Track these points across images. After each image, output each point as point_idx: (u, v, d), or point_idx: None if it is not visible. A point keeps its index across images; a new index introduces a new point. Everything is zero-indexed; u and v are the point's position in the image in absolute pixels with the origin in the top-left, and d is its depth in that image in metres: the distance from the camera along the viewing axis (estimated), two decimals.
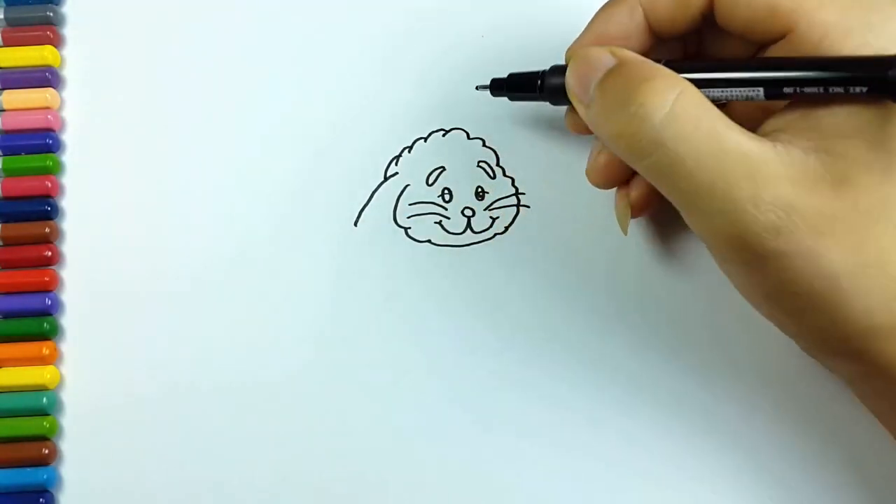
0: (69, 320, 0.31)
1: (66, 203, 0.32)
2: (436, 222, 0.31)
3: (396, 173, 0.31)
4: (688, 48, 0.26)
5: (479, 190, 0.31)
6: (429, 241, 0.31)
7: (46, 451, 0.29)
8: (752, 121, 0.23)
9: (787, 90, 0.21)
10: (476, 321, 0.30)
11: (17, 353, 0.30)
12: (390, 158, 0.31)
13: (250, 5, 0.33)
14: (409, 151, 0.31)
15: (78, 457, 0.30)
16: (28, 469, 0.29)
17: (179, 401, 0.30)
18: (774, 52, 0.22)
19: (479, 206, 0.31)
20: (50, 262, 0.31)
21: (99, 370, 0.30)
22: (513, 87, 0.28)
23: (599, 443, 0.29)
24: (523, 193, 0.31)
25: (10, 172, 0.31)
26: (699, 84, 0.22)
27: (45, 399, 0.30)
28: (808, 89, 0.21)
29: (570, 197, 0.30)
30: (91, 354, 0.31)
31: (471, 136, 0.31)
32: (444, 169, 0.31)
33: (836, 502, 0.28)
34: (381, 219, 0.31)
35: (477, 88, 0.29)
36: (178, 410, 0.30)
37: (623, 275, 0.30)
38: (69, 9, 0.33)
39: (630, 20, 0.24)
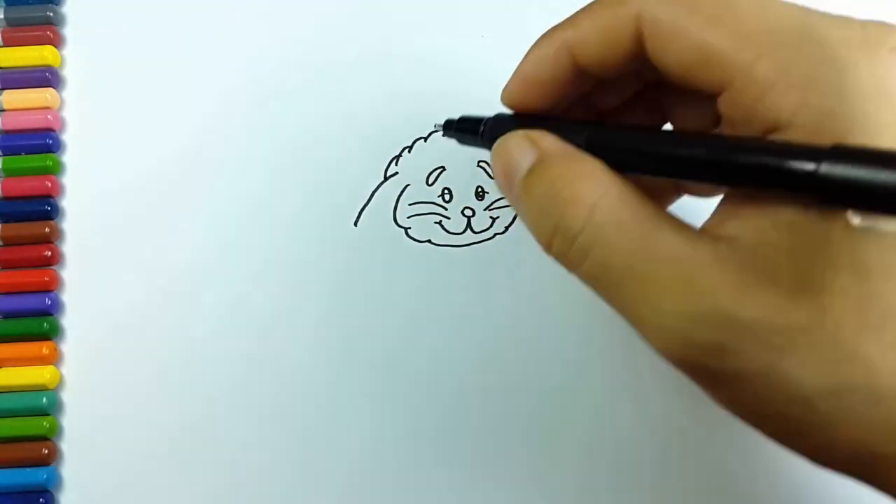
0: (69, 320, 0.31)
1: (66, 203, 0.32)
2: (436, 222, 0.31)
3: (396, 173, 0.31)
4: (646, 95, 0.24)
5: (479, 190, 0.31)
6: (429, 241, 0.31)
7: (46, 451, 0.29)
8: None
9: (717, 183, 0.18)
10: (476, 321, 0.30)
11: (17, 353, 0.30)
12: (390, 158, 0.31)
13: (250, 5, 0.33)
14: (409, 151, 0.31)
15: (78, 457, 0.30)
16: (28, 469, 0.29)
17: (179, 401, 0.30)
18: (720, 106, 0.19)
19: (479, 206, 0.31)
20: (50, 262, 0.31)
21: (99, 370, 0.30)
22: (461, 130, 0.26)
23: (602, 442, 0.29)
24: None
25: (10, 172, 0.31)
26: (620, 164, 0.20)
27: (45, 399, 0.30)
28: (738, 185, 0.18)
29: None
30: (91, 354, 0.31)
31: None
32: (444, 169, 0.31)
33: None
34: (381, 219, 0.31)
35: (434, 127, 0.28)
36: (177, 410, 0.30)
37: None
38: (69, 9, 0.33)
39: (557, 62, 0.21)
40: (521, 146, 0.21)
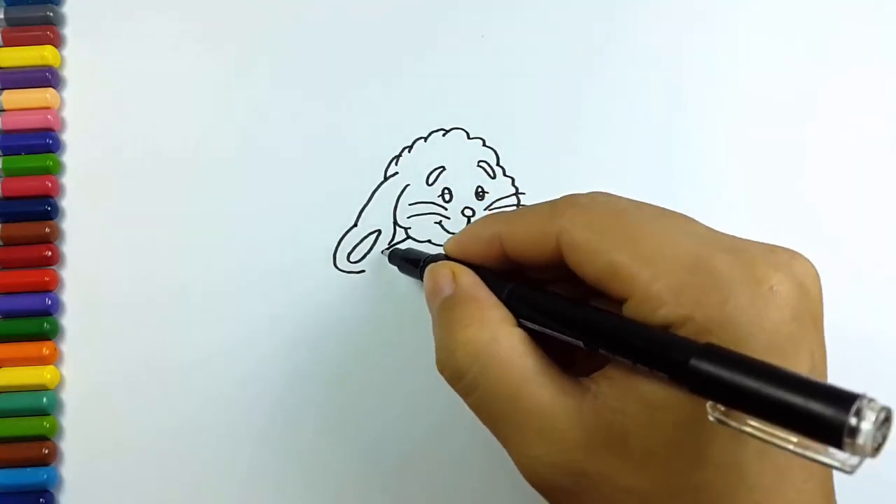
0: (69, 320, 0.31)
1: (66, 203, 0.32)
2: (436, 222, 0.31)
3: (396, 173, 0.31)
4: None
5: (479, 190, 0.31)
6: (429, 241, 0.31)
7: (46, 451, 0.29)
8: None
9: (602, 351, 0.20)
10: None
11: (17, 353, 0.30)
12: (390, 158, 0.31)
13: (251, 5, 0.33)
14: (409, 151, 0.31)
15: (78, 457, 0.30)
16: (28, 469, 0.29)
17: (179, 401, 0.30)
18: (624, 308, 0.21)
19: (479, 206, 0.31)
20: (50, 262, 0.31)
21: (99, 370, 0.30)
22: (404, 261, 0.29)
23: None
24: (523, 193, 0.31)
25: (10, 172, 0.31)
26: (532, 317, 0.23)
27: (45, 399, 0.30)
28: (619, 357, 0.20)
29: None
30: (91, 354, 0.31)
31: (471, 136, 0.31)
32: (444, 169, 0.31)
33: None
34: (382, 219, 0.31)
35: (381, 252, 0.30)
36: (177, 410, 0.30)
37: None
38: (69, 9, 0.33)
39: (489, 245, 0.24)
40: (444, 275, 0.25)
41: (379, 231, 0.31)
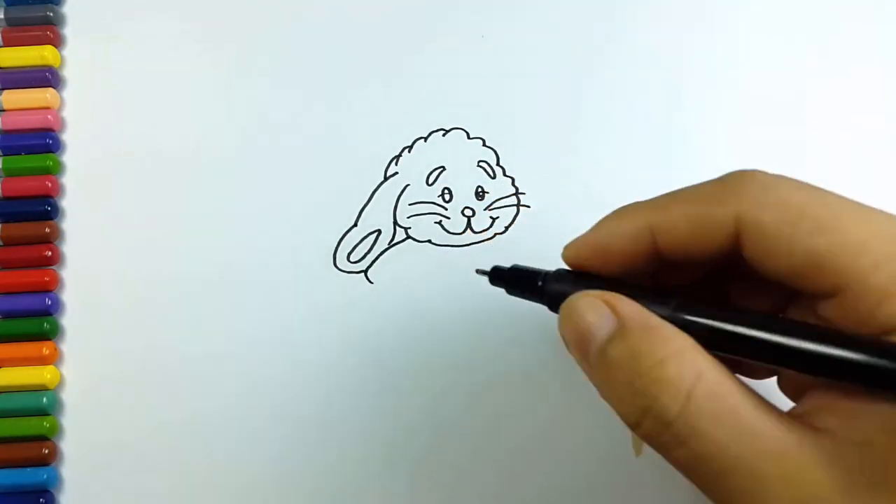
0: (69, 320, 0.31)
1: (66, 203, 0.32)
2: (436, 222, 0.31)
3: (396, 173, 0.31)
4: (696, 271, 0.22)
5: (479, 190, 0.31)
6: (429, 241, 0.31)
7: (46, 451, 0.29)
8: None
9: (829, 378, 0.17)
10: (476, 321, 0.30)
11: (17, 353, 0.30)
12: (390, 158, 0.31)
13: (251, 5, 0.33)
14: (409, 151, 0.31)
15: (78, 457, 0.30)
16: (28, 469, 0.29)
17: (179, 401, 0.30)
18: (821, 308, 0.19)
19: (479, 206, 0.31)
20: (50, 262, 0.31)
21: (99, 370, 0.30)
22: (513, 281, 0.23)
23: (605, 448, 0.29)
24: (523, 193, 0.31)
25: (10, 172, 0.31)
26: (719, 342, 0.18)
27: (45, 399, 0.30)
28: (859, 384, 0.17)
29: (570, 197, 0.30)
30: (91, 354, 0.31)
31: (471, 136, 0.31)
32: (444, 169, 0.31)
33: None
34: (382, 219, 0.31)
35: (477, 272, 0.24)
36: (177, 410, 0.30)
37: None
38: (69, 9, 0.33)
39: (635, 241, 0.20)
40: (597, 310, 0.20)
41: (379, 231, 0.31)
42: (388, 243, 0.31)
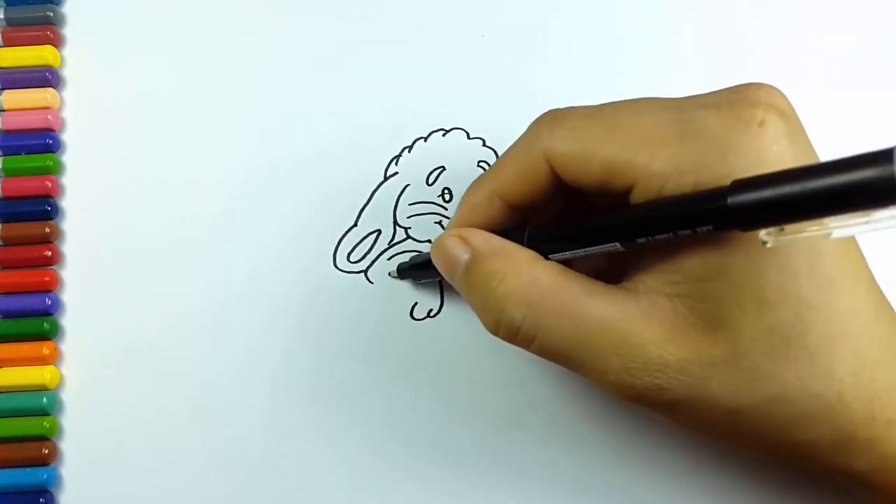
0: (69, 320, 0.31)
1: (66, 203, 0.32)
2: (436, 222, 0.31)
3: (396, 173, 0.31)
4: (570, 205, 0.26)
5: None
6: (429, 241, 0.31)
7: (46, 451, 0.29)
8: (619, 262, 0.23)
9: (640, 240, 0.20)
10: (476, 321, 0.30)
11: (17, 353, 0.30)
12: (390, 158, 0.31)
13: (250, 5, 0.33)
14: (409, 151, 0.31)
15: (78, 457, 0.30)
16: (28, 469, 0.29)
17: (179, 401, 0.30)
18: (632, 198, 0.22)
19: None
20: (50, 262, 0.31)
21: (99, 370, 0.30)
22: (414, 267, 0.29)
23: (605, 442, 0.29)
24: None
25: (10, 172, 0.31)
26: (560, 248, 0.23)
27: (45, 399, 0.30)
28: (658, 236, 0.20)
29: None
30: (91, 354, 0.31)
31: (471, 136, 0.31)
32: (444, 169, 0.31)
33: None
34: (382, 219, 0.31)
35: (389, 275, 0.30)
36: (177, 410, 0.30)
37: None
38: (69, 9, 0.33)
39: (490, 207, 0.24)
40: (454, 244, 0.24)
41: (379, 231, 0.31)
42: (388, 243, 0.31)
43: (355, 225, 0.31)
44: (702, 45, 0.32)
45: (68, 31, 0.33)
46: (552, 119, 0.23)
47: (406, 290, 0.30)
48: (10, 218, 0.31)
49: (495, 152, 0.31)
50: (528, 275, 0.22)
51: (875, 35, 0.32)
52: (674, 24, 0.32)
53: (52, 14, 0.32)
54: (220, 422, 0.30)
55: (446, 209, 0.31)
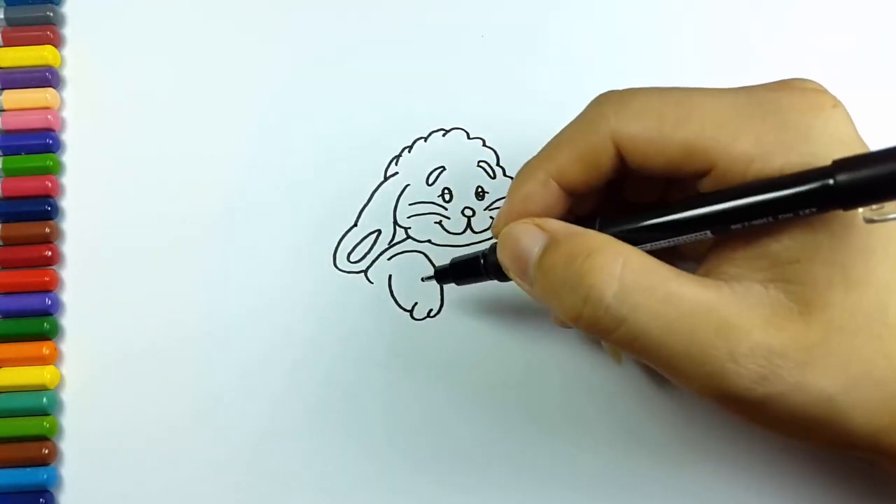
0: (69, 320, 0.31)
1: (66, 203, 0.32)
2: (436, 222, 0.31)
3: (396, 173, 0.31)
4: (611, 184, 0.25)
5: (479, 190, 0.31)
6: (429, 241, 0.31)
7: (46, 451, 0.29)
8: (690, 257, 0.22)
9: (734, 227, 0.20)
10: (476, 321, 0.30)
11: (17, 353, 0.30)
12: (390, 158, 0.31)
13: (250, 5, 0.33)
14: (409, 151, 0.31)
15: (78, 457, 0.30)
16: (28, 469, 0.29)
17: (179, 401, 0.30)
18: (703, 184, 0.21)
19: (479, 206, 0.31)
20: (50, 262, 0.31)
21: (99, 370, 0.30)
22: (458, 273, 0.27)
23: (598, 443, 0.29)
24: None
25: (10, 172, 0.31)
26: (641, 237, 0.21)
27: (45, 399, 0.30)
28: (756, 221, 0.20)
29: None
30: (91, 354, 0.31)
31: (471, 136, 0.31)
32: (444, 169, 0.31)
33: None
34: (382, 219, 0.31)
35: (422, 280, 0.29)
36: (177, 410, 0.30)
37: None
38: (69, 9, 0.33)
39: (545, 192, 0.23)
40: (528, 231, 0.23)
41: (379, 231, 0.31)
42: (388, 243, 0.31)
43: (355, 225, 0.31)
44: (702, 45, 0.32)
45: (68, 31, 0.33)
46: (617, 100, 0.22)
47: (406, 290, 0.30)
48: (10, 218, 0.31)
49: (495, 152, 0.31)
50: (615, 251, 0.21)
51: (875, 35, 0.32)
52: (674, 24, 0.32)
53: (52, 14, 0.32)
54: (219, 421, 0.30)
55: (446, 209, 0.31)
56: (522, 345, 0.30)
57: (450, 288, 0.30)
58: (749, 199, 0.20)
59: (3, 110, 0.32)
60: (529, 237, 0.22)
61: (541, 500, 0.29)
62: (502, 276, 0.25)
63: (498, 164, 0.31)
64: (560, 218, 0.23)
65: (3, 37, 0.32)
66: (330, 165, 0.31)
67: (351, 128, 0.32)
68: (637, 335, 0.20)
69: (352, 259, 0.31)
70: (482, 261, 0.26)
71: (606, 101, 0.22)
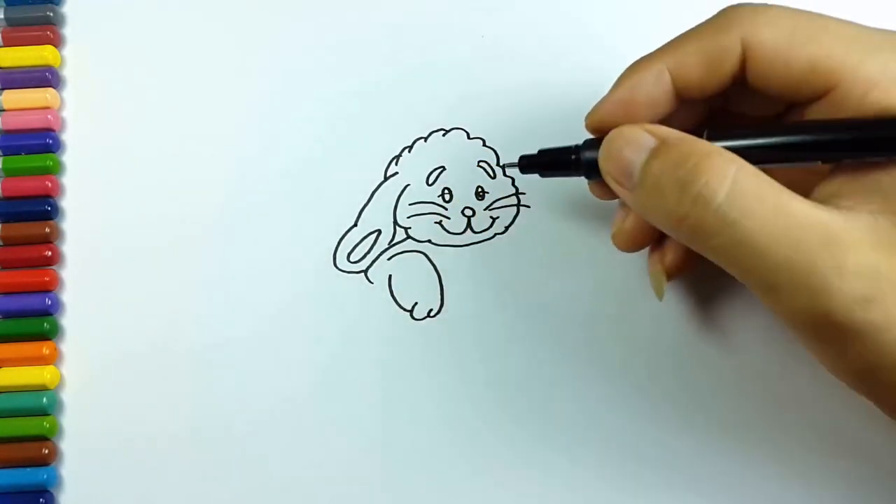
0: (69, 320, 0.31)
1: (66, 203, 0.32)
2: (436, 222, 0.31)
3: (396, 173, 0.31)
4: (711, 107, 0.25)
5: (479, 190, 0.31)
6: (429, 241, 0.31)
7: (46, 451, 0.29)
8: (795, 187, 0.22)
9: (847, 160, 0.20)
10: (476, 321, 0.30)
11: (17, 353, 0.30)
12: (390, 158, 0.31)
13: (251, 5, 0.33)
14: (409, 151, 0.31)
15: (78, 457, 0.30)
16: (28, 469, 0.29)
17: (179, 400, 0.30)
18: (812, 111, 0.22)
19: (479, 206, 0.31)
20: (50, 262, 0.31)
21: (99, 370, 0.30)
22: (545, 164, 0.26)
23: (602, 443, 0.29)
24: (523, 193, 0.31)
25: (10, 172, 0.31)
26: (752, 155, 0.21)
27: (45, 399, 0.30)
28: (870, 157, 0.20)
29: (570, 197, 0.30)
30: (91, 354, 0.31)
31: (471, 136, 0.31)
32: (444, 169, 0.31)
33: None
34: (382, 219, 0.31)
35: (503, 166, 0.29)
36: (177, 410, 0.30)
37: (623, 273, 0.30)
38: (69, 9, 0.33)
39: (656, 86, 0.23)
40: (637, 135, 0.22)
41: (379, 231, 0.31)
42: (388, 243, 0.31)
43: (355, 225, 0.31)
44: None
45: (68, 31, 0.33)
46: (753, 9, 0.22)
47: (406, 290, 0.30)
48: (10, 218, 0.31)
49: (495, 152, 0.31)
50: (730, 159, 0.20)
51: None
52: (674, 24, 0.32)
53: (52, 14, 0.32)
54: (218, 421, 0.30)
55: (446, 209, 0.31)
56: (522, 345, 0.30)
57: (450, 288, 0.30)
58: (867, 132, 0.20)
59: (3, 110, 0.32)
60: (641, 139, 0.22)
61: (541, 500, 0.29)
62: (593, 174, 0.24)
63: (498, 164, 0.31)
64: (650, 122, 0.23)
65: (3, 37, 0.32)
66: (330, 165, 0.31)
67: (351, 128, 0.32)
68: (742, 241, 0.20)
69: (352, 259, 0.31)
70: (573, 156, 0.25)
71: (742, 9, 0.22)
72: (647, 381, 0.29)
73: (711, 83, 0.22)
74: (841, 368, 0.21)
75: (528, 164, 0.26)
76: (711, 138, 0.22)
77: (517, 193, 0.31)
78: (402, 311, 0.30)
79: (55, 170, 0.31)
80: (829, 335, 0.20)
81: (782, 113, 0.24)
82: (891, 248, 0.19)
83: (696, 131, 0.22)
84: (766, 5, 0.22)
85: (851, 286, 0.19)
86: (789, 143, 0.21)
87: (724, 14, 0.22)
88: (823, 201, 0.21)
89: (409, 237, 0.31)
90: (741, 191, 0.20)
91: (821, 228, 0.19)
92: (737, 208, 0.20)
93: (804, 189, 0.21)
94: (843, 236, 0.19)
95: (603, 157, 0.23)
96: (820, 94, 0.21)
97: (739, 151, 0.21)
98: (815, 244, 0.19)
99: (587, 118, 0.24)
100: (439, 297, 0.30)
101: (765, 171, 0.21)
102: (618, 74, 0.31)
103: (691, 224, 0.20)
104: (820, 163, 0.21)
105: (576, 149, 0.25)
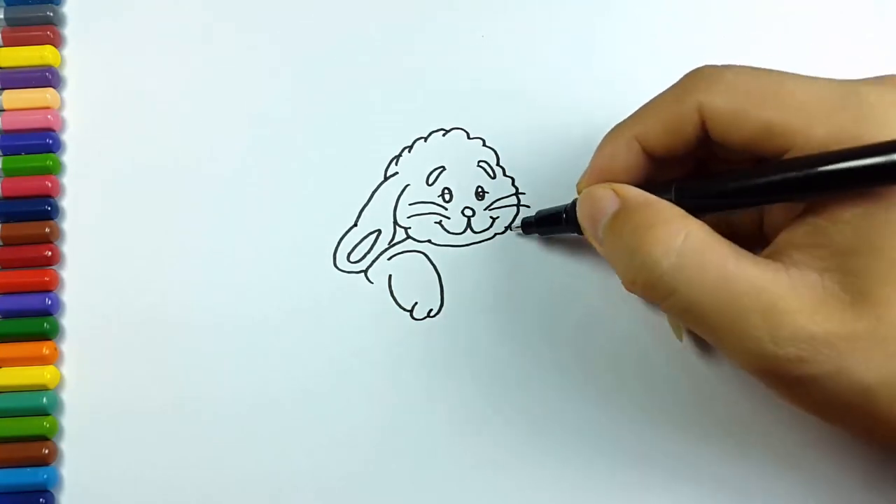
0: (69, 320, 0.31)
1: (66, 203, 0.32)
2: (436, 222, 0.31)
3: (396, 173, 0.31)
4: (697, 156, 0.26)
5: (479, 190, 0.31)
6: (429, 240, 0.31)
7: (46, 451, 0.29)
8: (754, 235, 0.24)
9: (811, 197, 0.21)
10: (476, 321, 0.30)
11: (17, 353, 0.30)
12: (390, 158, 0.31)
13: (251, 5, 0.33)
14: (409, 151, 0.31)
15: (78, 457, 0.30)
16: (28, 469, 0.29)
17: (179, 400, 0.30)
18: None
19: (479, 206, 0.31)
20: (50, 262, 0.31)
21: (99, 370, 0.30)
22: (542, 224, 0.29)
23: (605, 444, 0.29)
24: (523, 193, 0.31)
25: (10, 172, 0.31)
26: (716, 203, 0.23)
27: (45, 399, 0.30)
28: (842, 190, 0.21)
29: (570, 197, 0.30)
30: (91, 354, 0.31)
31: (471, 136, 0.31)
32: (444, 169, 0.31)
33: None
34: (382, 219, 0.31)
35: (510, 230, 0.30)
36: (177, 410, 0.30)
37: None
38: (69, 9, 0.33)
39: (629, 153, 0.25)
40: (605, 195, 0.24)
41: (379, 231, 0.31)
42: (388, 243, 0.31)
43: (355, 225, 0.31)
44: (702, 46, 0.32)
45: (68, 31, 0.33)
46: (709, 74, 0.23)
47: (406, 290, 0.30)
48: (10, 218, 0.31)
49: (495, 152, 0.31)
50: (679, 226, 0.22)
51: (875, 35, 0.32)
52: (674, 25, 0.32)
53: (52, 14, 0.32)
54: (218, 421, 0.30)
55: (446, 209, 0.31)
56: (522, 345, 0.30)
57: (450, 288, 0.30)
58: (831, 165, 0.20)
59: (3, 110, 0.32)
60: (606, 200, 0.24)
61: (541, 500, 0.29)
62: (580, 230, 0.26)
63: (498, 164, 0.31)
64: (641, 182, 0.25)
65: (3, 37, 0.32)
66: (330, 165, 0.31)
67: (351, 128, 0.32)
68: (686, 305, 0.22)
69: (352, 259, 0.31)
70: (564, 214, 0.27)
71: (698, 75, 0.23)
72: (647, 381, 0.29)
73: (677, 146, 0.24)
74: (792, 404, 0.23)
75: (529, 224, 0.30)
76: (679, 192, 0.23)
77: (517, 193, 0.31)
78: (402, 311, 0.30)
79: (55, 170, 0.31)
80: (773, 383, 0.22)
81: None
82: (829, 310, 0.20)
83: (670, 183, 0.24)
84: (724, 68, 0.23)
85: (786, 351, 0.20)
86: (749, 187, 0.22)
87: (684, 81, 0.24)
88: (779, 252, 0.22)
89: (409, 237, 0.31)
90: (684, 261, 0.21)
91: (761, 296, 0.21)
92: (679, 279, 0.21)
93: (781, 227, 0.23)
94: (781, 304, 0.21)
95: (578, 211, 0.26)
96: (777, 154, 0.22)
97: (707, 201, 0.23)
98: (753, 312, 0.21)
99: (578, 183, 0.27)
100: (439, 297, 0.30)
101: (729, 220, 0.23)
102: (617, 75, 0.32)
103: (641, 286, 0.23)
104: (800, 201, 0.22)
105: (565, 210, 0.27)
